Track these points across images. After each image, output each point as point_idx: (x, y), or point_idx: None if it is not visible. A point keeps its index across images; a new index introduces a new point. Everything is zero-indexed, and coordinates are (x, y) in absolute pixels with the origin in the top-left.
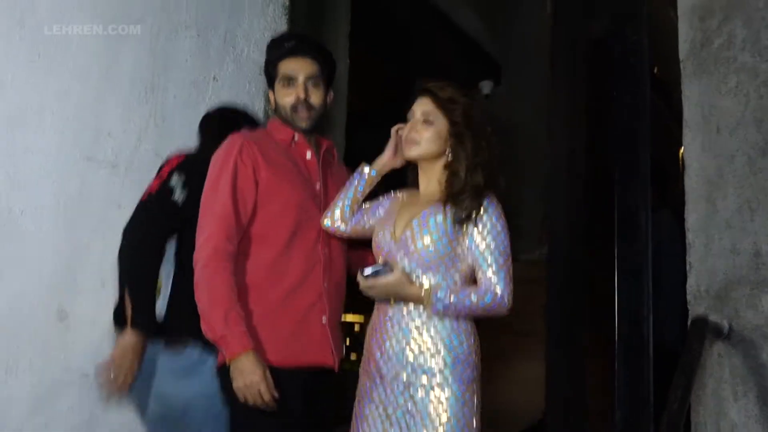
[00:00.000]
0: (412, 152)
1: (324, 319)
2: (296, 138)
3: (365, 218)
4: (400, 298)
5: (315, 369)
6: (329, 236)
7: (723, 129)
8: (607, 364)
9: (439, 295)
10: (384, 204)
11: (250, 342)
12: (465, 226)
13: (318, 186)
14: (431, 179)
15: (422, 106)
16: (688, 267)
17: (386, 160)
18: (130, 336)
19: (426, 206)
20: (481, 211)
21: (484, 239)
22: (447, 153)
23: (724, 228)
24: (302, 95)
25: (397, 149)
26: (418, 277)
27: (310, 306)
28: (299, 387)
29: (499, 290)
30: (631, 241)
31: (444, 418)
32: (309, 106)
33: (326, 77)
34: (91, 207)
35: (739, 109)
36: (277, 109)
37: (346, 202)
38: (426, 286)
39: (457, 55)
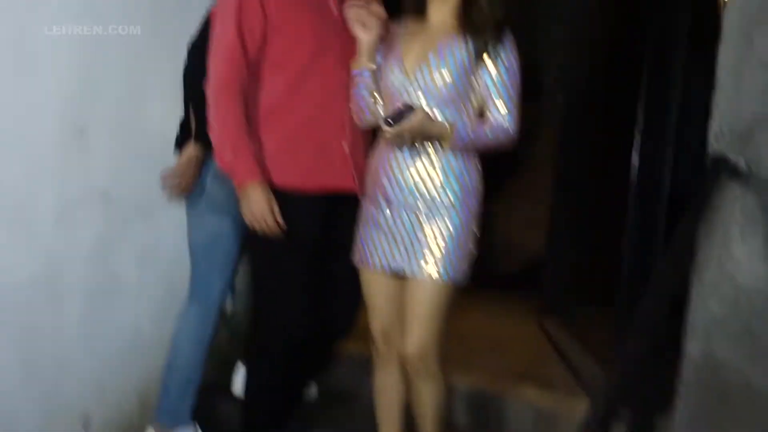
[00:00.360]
0: None
1: (345, 146)
2: None
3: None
4: (425, 137)
5: (336, 194)
6: (350, 62)
7: None
8: (615, 214)
9: (460, 130)
10: (379, 48)
11: (258, 172)
12: (482, 59)
13: (335, 11)
14: (443, 8)
15: None
16: (714, 107)
17: (370, 44)
18: (193, 148)
19: (440, 38)
20: (499, 45)
21: (499, 72)
22: None
23: (758, 66)
24: None
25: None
26: (431, 109)
27: (331, 132)
28: (318, 212)
29: (508, 122)
30: (660, 76)
31: (444, 243)
32: None
33: None
34: (109, 20)
35: None
36: None
37: (370, 107)
38: (446, 122)
39: None
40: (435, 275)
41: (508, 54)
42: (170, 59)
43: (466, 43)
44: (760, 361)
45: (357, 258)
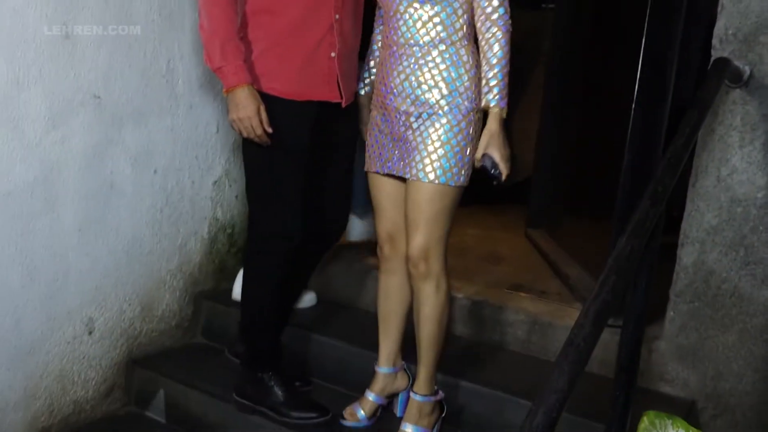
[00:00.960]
0: None
1: (333, 53)
2: None
3: None
4: (501, 130)
5: (325, 103)
6: None
7: None
8: (607, 128)
9: (501, 105)
10: None
11: (247, 76)
12: None
13: None
14: None
15: None
16: (719, 9)
17: None
18: None
19: None
20: None
21: None
22: None
23: None
24: None
25: None
26: (416, 9)
27: (318, 39)
28: (307, 119)
29: (500, 13)
30: None
31: (438, 144)
32: None
33: None
34: None
35: None
36: None
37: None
38: (492, 103)
39: None
40: (431, 176)
41: None
42: None
43: None
44: (749, 269)
45: (365, 163)
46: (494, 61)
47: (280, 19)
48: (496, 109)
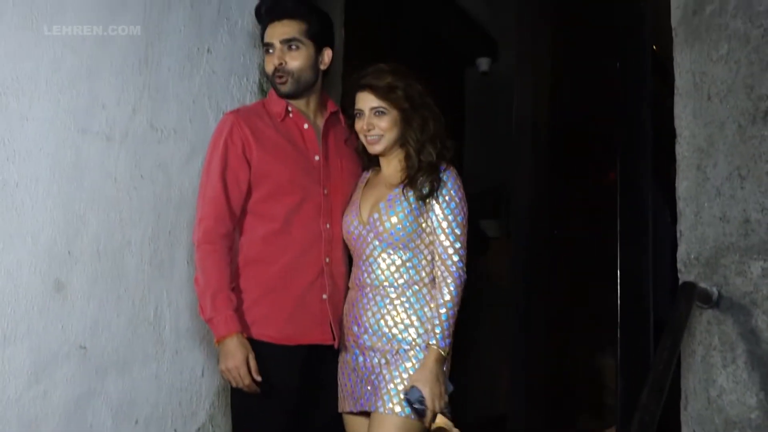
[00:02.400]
0: (378, 147)
1: (324, 295)
2: (290, 109)
3: None
4: (440, 371)
5: (316, 345)
6: (331, 210)
7: (714, 96)
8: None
9: (441, 345)
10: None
11: (237, 325)
12: (428, 200)
13: (317, 158)
14: (391, 161)
15: (367, 102)
16: (678, 235)
17: None
18: None
19: (390, 189)
20: (441, 184)
21: (443, 211)
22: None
23: (714, 196)
24: (276, 62)
25: None
26: (390, 254)
27: (310, 283)
28: (298, 364)
29: (454, 259)
30: (633, 211)
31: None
32: (285, 72)
33: (313, 36)
34: (86, 179)
35: (730, 76)
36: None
37: None
38: (432, 342)
39: (452, 31)
40: (398, 409)
41: (451, 191)
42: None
43: (409, 192)
44: None
45: (339, 404)
46: (442, 307)
47: (271, 267)
48: (435, 347)
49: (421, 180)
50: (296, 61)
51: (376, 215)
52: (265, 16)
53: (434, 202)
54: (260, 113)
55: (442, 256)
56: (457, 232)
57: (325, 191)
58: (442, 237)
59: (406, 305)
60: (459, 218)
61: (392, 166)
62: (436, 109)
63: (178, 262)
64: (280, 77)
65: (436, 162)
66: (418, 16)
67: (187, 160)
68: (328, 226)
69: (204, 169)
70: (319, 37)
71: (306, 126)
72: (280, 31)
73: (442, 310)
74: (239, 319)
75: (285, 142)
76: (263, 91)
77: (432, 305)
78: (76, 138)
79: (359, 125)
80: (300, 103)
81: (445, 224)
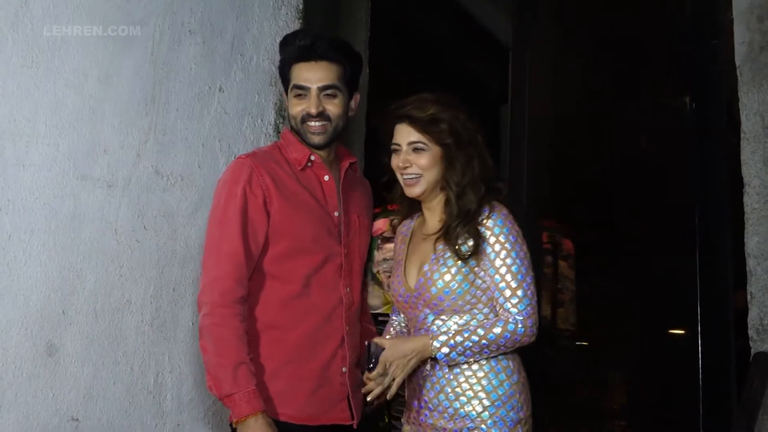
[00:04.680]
0: (417, 189)
1: (344, 368)
2: (313, 158)
3: None
4: (416, 356)
5: (335, 426)
6: (350, 272)
7: None
8: None
9: (435, 344)
10: (396, 243)
11: (261, 403)
12: (477, 253)
13: (336, 214)
14: (434, 209)
15: (405, 136)
16: (749, 297)
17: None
18: None
19: (435, 245)
20: (488, 230)
21: (499, 257)
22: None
23: None
24: (314, 110)
25: None
26: (444, 321)
27: (332, 354)
28: None
29: (514, 314)
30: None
31: None
32: (324, 117)
33: (347, 81)
34: (84, 230)
35: None
36: (289, 117)
37: None
38: (435, 344)
39: (485, 65)
40: None
41: (502, 235)
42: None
43: (450, 248)
44: None
45: None
46: (481, 329)
47: (289, 335)
48: (430, 347)
49: (457, 233)
50: (336, 107)
51: (421, 280)
52: (305, 53)
53: (489, 248)
54: (278, 159)
55: (504, 306)
56: (518, 279)
57: (345, 251)
58: (502, 288)
59: (467, 373)
60: (518, 262)
61: (436, 216)
62: (484, 148)
63: (182, 323)
64: (320, 126)
65: (476, 209)
66: (449, 48)
67: (194, 210)
68: (348, 290)
69: (216, 219)
70: (352, 83)
71: (327, 178)
72: (319, 75)
73: (479, 332)
74: (262, 393)
75: (307, 194)
76: (279, 134)
77: (509, 370)
78: (75, 185)
79: (395, 162)
80: (322, 152)
81: (503, 271)
